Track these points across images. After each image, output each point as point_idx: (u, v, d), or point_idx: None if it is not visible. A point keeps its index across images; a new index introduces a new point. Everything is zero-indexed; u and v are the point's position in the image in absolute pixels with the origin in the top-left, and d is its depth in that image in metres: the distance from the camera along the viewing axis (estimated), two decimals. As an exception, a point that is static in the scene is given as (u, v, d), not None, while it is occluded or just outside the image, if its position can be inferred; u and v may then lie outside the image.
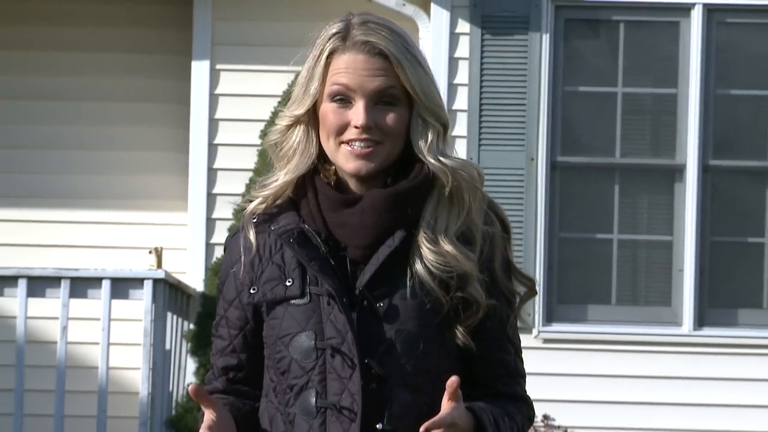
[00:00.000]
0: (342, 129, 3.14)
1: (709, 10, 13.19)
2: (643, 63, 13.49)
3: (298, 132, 3.26)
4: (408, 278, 3.19)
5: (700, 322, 13.06)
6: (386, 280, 3.18)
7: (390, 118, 3.15)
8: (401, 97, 3.19)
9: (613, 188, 13.27)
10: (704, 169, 13.10)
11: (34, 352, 12.99)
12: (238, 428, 3.33)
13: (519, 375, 3.37)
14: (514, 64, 13.36)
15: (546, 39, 13.21)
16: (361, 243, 3.21)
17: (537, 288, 3.46)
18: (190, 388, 3.13)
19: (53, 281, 12.89)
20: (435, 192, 3.26)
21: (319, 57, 3.20)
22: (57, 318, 12.63)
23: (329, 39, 3.19)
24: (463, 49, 13.49)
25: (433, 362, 3.23)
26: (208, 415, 3.09)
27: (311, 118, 3.26)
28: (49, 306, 13.01)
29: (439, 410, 3.07)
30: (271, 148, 3.35)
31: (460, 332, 3.22)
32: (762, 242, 13.39)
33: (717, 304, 13.24)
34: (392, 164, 3.27)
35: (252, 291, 3.29)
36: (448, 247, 3.16)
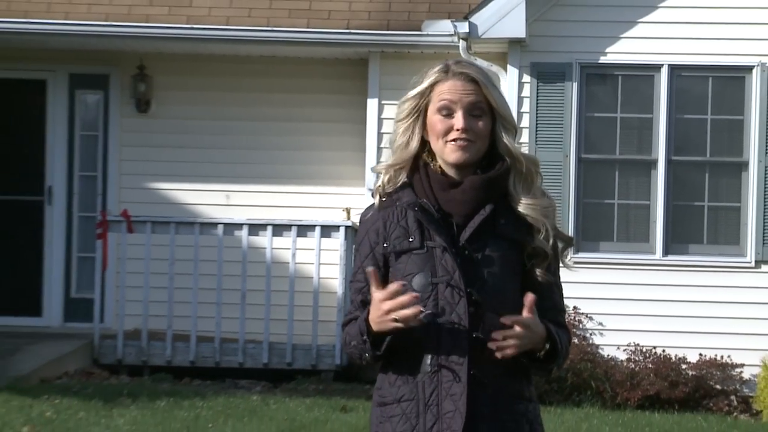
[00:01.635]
0: (447, 131, 4.22)
1: (671, 68, 16.65)
2: (631, 99, 16.99)
3: (407, 138, 4.35)
4: (494, 237, 4.25)
5: (666, 251, 16.68)
6: (479, 238, 4.23)
7: (479, 124, 4.24)
8: (486, 110, 4.25)
9: (614, 173, 16.94)
10: (668, 162, 16.71)
11: (277, 269, 16.87)
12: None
13: (562, 310, 4.46)
14: (555, 99, 16.74)
15: (575, 85, 16.67)
16: (463, 212, 4.26)
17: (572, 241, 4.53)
18: (369, 270, 4.19)
19: (287, 227, 16.92)
20: (513, 173, 4.30)
21: (427, 86, 4.28)
22: (289, 248, 16.79)
23: (435, 73, 4.29)
24: (526, 91, 16.72)
25: (511, 294, 4.25)
26: (378, 291, 4.11)
27: (414, 121, 4.34)
28: (284, 242, 16.98)
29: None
30: (391, 144, 4.44)
31: (540, 272, 4.34)
32: (702, 205, 16.77)
33: (676, 241, 16.83)
34: (480, 160, 4.30)
35: (384, 245, 4.33)
36: (535, 200, 4.30)
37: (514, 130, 4.31)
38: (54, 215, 18.84)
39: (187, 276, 16.80)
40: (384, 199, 4.35)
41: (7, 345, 16.59)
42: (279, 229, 17.09)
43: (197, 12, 17.81)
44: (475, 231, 4.20)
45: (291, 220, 17.21)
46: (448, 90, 4.18)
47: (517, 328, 4.02)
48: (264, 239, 17.21)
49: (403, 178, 4.35)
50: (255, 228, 17.20)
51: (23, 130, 18.91)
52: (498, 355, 4.04)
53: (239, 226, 17.21)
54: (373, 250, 4.32)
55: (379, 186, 4.41)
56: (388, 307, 4.01)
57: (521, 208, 4.24)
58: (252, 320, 16.83)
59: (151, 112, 18.73)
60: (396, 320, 4.02)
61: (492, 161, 4.31)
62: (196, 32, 17.73)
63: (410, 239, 4.23)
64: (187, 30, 17.68)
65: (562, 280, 4.47)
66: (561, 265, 4.46)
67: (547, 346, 4.16)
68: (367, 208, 4.43)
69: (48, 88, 18.82)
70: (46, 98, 18.80)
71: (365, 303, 4.27)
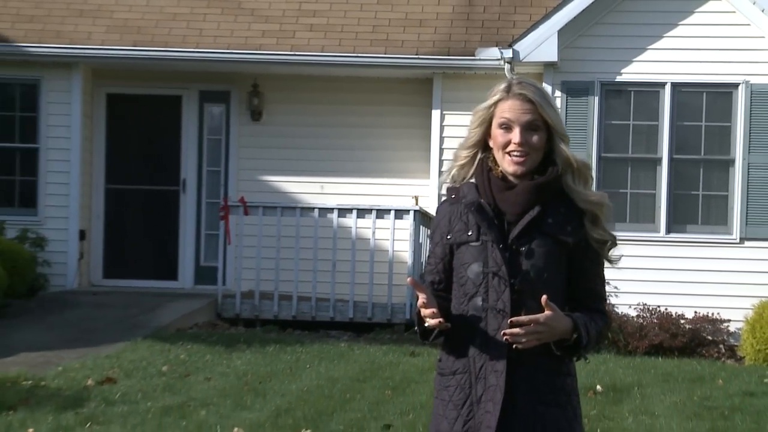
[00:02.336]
0: (506, 144, 4.06)
1: (673, 85, 16.64)
2: (641, 110, 16.97)
3: (474, 142, 4.22)
4: (541, 234, 4.08)
5: (668, 230, 16.69)
6: (527, 235, 4.06)
7: (534, 138, 4.05)
8: (541, 126, 4.06)
9: (627, 168, 16.88)
10: (670, 159, 16.67)
11: (360, 244, 16.79)
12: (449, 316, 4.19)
13: (603, 299, 4.22)
14: (581, 110, 16.75)
15: (596, 99, 16.70)
16: (514, 212, 4.09)
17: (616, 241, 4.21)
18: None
19: (368, 211, 16.93)
20: (570, 174, 4.12)
21: (492, 103, 4.10)
22: (369, 228, 16.85)
23: (498, 92, 4.11)
24: (557, 104, 15.65)
25: (552, 284, 4.07)
26: (421, 297, 4.00)
27: (482, 132, 4.17)
28: (365, 223, 16.96)
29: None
30: (456, 156, 4.29)
31: (581, 264, 4.13)
32: (698, 194, 16.81)
33: (676, 222, 16.79)
34: (535, 169, 4.11)
35: (448, 237, 4.20)
36: (591, 194, 4.12)
37: (567, 140, 4.16)
38: (187, 202, 18.96)
39: (290, 249, 16.78)
40: (453, 196, 4.23)
41: (151, 303, 16.85)
42: (362, 212, 17.11)
43: (299, 42, 17.85)
44: (523, 229, 4.06)
45: (371, 205, 17.20)
46: (508, 109, 4.06)
47: (532, 325, 3.89)
48: (350, 221, 17.23)
49: (469, 176, 4.22)
50: (343, 212, 17.20)
51: (164, 135, 19.00)
52: (515, 346, 3.93)
53: (330, 210, 17.25)
54: (442, 238, 4.21)
55: (450, 182, 4.32)
56: (423, 314, 4.00)
57: (581, 202, 4.10)
58: (340, 284, 16.83)
59: (263, 121, 18.82)
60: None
61: (546, 167, 4.14)
62: (297, 58, 17.80)
63: (468, 233, 4.11)
64: (291, 56, 17.79)
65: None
66: (605, 259, 4.25)
67: (575, 336, 4.00)
68: (441, 202, 4.32)
69: (183, 102, 18.94)
70: (181, 110, 18.92)
71: (432, 283, 4.25)
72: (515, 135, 4.03)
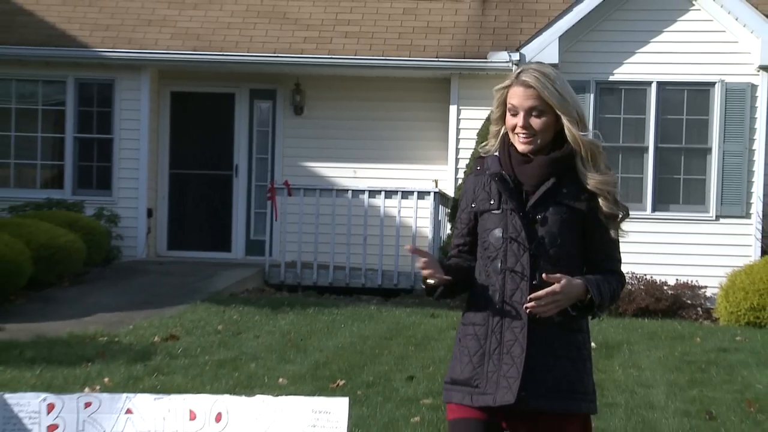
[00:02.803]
0: (513, 127, 3.93)
1: (659, 83, 16.58)
2: (630, 105, 16.91)
3: (498, 123, 4.04)
4: (556, 203, 3.91)
5: (654, 209, 16.65)
6: (543, 204, 3.92)
7: (537, 122, 3.88)
8: (545, 109, 3.88)
9: (618, 155, 16.66)
10: (656, 148, 16.63)
11: (387, 221, 16.75)
12: (461, 275, 4.08)
13: (617, 260, 4.03)
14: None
15: (592, 96, 16.59)
16: (531, 183, 3.94)
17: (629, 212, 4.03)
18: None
19: (394, 193, 16.90)
20: (579, 155, 3.93)
21: (504, 88, 3.99)
22: (395, 207, 16.78)
23: (510, 78, 3.97)
24: None
25: (566, 249, 3.93)
26: (421, 260, 3.93)
27: (502, 116, 4.00)
28: (392, 203, 16.91)
29: (570, 276, 3.88)
30: (490, 131, 4.09)
31: (612, 228, 3.96)
32: (679, 177, 16.77)
33: (660, 202, 16.72)
34: (550, 142, 3.95)
35: (473, 205, 4.05)
36: (599, 175, 3.92)
37: (577, 121, 3.92)
38: (239, 184, 18.91)
39: (327, 225, 16.80)
40: (478, 168, 4.08)
41: (208, 271, 16.92)
42: (389, 194, 17.06)
43: (335, 47, 17.87)
44: (540, 198, 3.91)
45: (397, 187, 17.12)
46: (514, 95, 3.91)
47: (550, 296, 3.77)
48: (378, 201, 17.21)
49: (494, 149, 4.06)
50: (372, 193, 17.16)
51: (219, 127, 18.97)
52: (537, 315, 3.82)
53: (362, 192, 17.25)
54: (467, 206, 4.08)
55: (483, 152, 4.17)
56: (423, 275, 3.93)
57: (589, 183, 3.90)
58: (371, 255, 16.81)
59: (304, 115, 18.79)
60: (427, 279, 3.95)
61: (563, 143, 3.96)
62: (334, 61, 17.82)
63: (491, 202, 3.97)
64: (329, 59, 17.80)
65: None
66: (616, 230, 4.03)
67: (589, 296, 3.83)
68: (468, 174, 4.23)
69: (236, 99, 18.96)
70: (234, 106, 18.93)
71: (457, 246, 4.17)
72: (519, 119, 3.90)
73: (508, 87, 3.95)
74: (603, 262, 3.99)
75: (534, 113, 3.88)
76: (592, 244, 3.99)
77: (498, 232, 3.94)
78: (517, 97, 3.89)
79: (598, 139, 3.99)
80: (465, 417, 3.96)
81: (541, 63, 4.06)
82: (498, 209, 3.96)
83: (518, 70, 3.95)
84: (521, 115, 3.89)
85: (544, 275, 3.78)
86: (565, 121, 3.89)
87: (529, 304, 3.79)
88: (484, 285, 3.98)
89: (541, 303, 3.77)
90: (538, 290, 3.81)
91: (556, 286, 3.75)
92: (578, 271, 3.95)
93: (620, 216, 4.00)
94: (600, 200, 3.92)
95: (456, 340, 4.09)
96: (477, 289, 4.03)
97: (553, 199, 3.93)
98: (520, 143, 3.94)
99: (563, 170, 3.95)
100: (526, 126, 3.89)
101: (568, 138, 3.92)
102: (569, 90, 3.92)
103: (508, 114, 3.96)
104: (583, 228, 3.96)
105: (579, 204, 3.93)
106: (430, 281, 3.94)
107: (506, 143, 4.02)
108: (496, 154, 4.06)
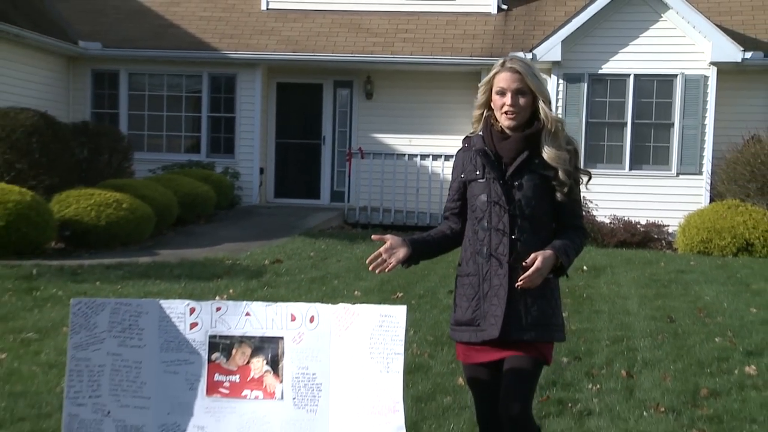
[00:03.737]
0: (502, 106, 3.59)
1: (635, 76, 16.22)
2: (615, 92, 16.41)
3: (481, 103, 3.70)
4: (530, 172, 3.60)
5: (630, 168, 16.31)
6: (518, 173, 3.61)
7: (521, 101, 3.56)
8: (528, 91, 3.57)
9: (605, 129, 16.46)
10: (633, 123, 16.28)
11: (433, 177, 16.61)
12: (451, 240, 3.81)
13: (580, 216, 3.71)
14: (575, 93, 16.34)
15: (585, 85, 16.33)
16: (509, 156, 3.62)
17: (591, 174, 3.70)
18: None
19: (438, 156, 16.57)
20: (546, 129, 3.60)
21: (492, 75, 3.65)
22: (440, 166, 16.51)
23: (497, 67, 3.65)
24: (561, 89, 16.34)
25: (539, 209, 3.61)
26: (386, 245, 3.65)
27: (486, 97, 3.67)
28: (437, 164, 16.68)
29: (540, 232, 3.62)
30: (474, 116, 3.74)
31: (560, 194, 3.59)
32: (650, 144, 16.37)
33: (635, 162, 16.33)
34: (525, 122, 3.62)
35: (462, 176, 3.73)
36: (557, 151, 3.57)
37: (548, 102, 3.62)
38: (325, 150, 18.77)
39: (389, 180, 16.84)
40: (466, 145, 3.75)
41: (303, 213, 16.84)
42: (435, 157, 16.89)
43: (396, 49, 17.65)
44: (516, 169, 3.60)
45: (440, 152, 16.78)
46: (502, 79, 3.59)
47: (536, 272, 3.50)
48: (427, 162, 17.06)
49: (479, 129, 3.73)
50: (423, 157, 17.02)
51: (311, 108, 18.75)
52: (526, 287, 3.53)
53: (415, 155, 17.10)
54: (458, 177, 3.76)
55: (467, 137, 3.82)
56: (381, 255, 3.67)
57: (544, 155, 3.58)
58: (421, 202, 16.79)
59: (373, 99, 18.54)
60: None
61: (533, 122, 3.63)
62: (395, 59, 17.62)
63: (476, 172, 3.66)
64: (391, 58, 17.61)
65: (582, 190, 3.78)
66: (581, 187, 3.72)
67: (559, 263, 3.55)
68: (458, 150, 3.82)
69: (323, 88, 18.78)
70: (322, 92, 18.75)
71: (451, 209, 3.81)
72: (507, 98, 3.58)
73: (496, 74, 3.63)
74: (569, 218, 3.69)
75: (520, 93, 3.58)
76: (560, 205, 3.66)
77: (483, 197, 3.64)
78: (506, 80, 3.59)
79: (562, 119, 3.70)
80: (473, 363, 3.75)
81: (518, 56, 3.75)
82: (483, 178, 3.65)
83: (502, 60, 3.66)
84: (509, 95, 3.58)
85: (524, 262, 3.52)
86: (540, 100, 3.60)
87: (519, 283, 3.52)
88: (475, 241, 3.69)
89: (529, 280, 3.51)
90: (516, 244, 3.59)
91: (537, 265, 3.49)
92: (549, 226, 3.68)
93: (582, 181, 3.70)
94: (558, 170, 3.61)
95: (455, 289, 3.79)
96: (468, 245, 3.73)
97: (527, 169, 3.62)
98: (506, 119, 3.62)
99: (534, 145, 3.63)
100: (514, 104, 3.57)
101: (541, 114, 3.61)
102: (542, 77, 3.68)
103: (494, 96, 3.64)
104: (553, 191, 3.65)
105: (548, 172, 3.62)
106: (382, 265, 3.69)
107: (488, 124, 3.70)
108: (480, 133, 3.74)
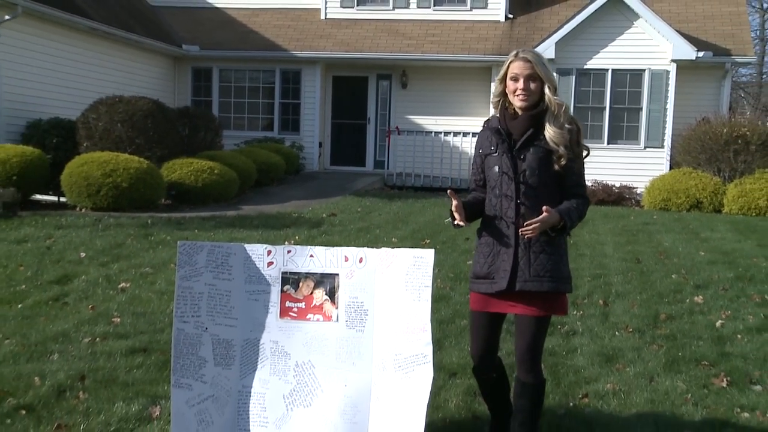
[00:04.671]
0: (515, 90, 3.31)
1: (613, 70, 15.89)
2: (596, 83, 16.03)
3: (498, 92, 3.40)
4: (535, 147, 3.30)
5: (608, 143, 15.98)
6: (525, 147, 3.31)
7: (532, 86, 3.29)
8: (537, 78, 3.29)
9: (588, 112, 15.97)
10: (611, 108, 15.92)
11: (454, 150, 16.16)
12: (474, 208, 3.44)
13: (582, 186, 3.35)
14: (566, 84, 15.83)
15: (573, 78, 15.94)
16: (518, 133, 3.33)
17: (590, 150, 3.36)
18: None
19: (458, 133, 16.32)
20: (549, 111, 3.30)
21: (507, 64, 3.36)
22: (459, 142, 16.05)
23: (511, 57, 3.36)
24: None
25: (542, 178, 3.29)
26: (454, 201, 3.32)
27: (503, 86, 3.38)
28: (457, 140, 16.33)
29: (543, 199, 3.28)
30: (492, 103, 3.45)
31: (558, 166, 3.27)
32: (623, 124, 15.87)
33: (612, 138, 16.01)
34: (534, 105, 3.32)
35: (480, 151, 3.46)
36: (557, 130, 3.26)
37: (554, 88, 3.33)
38: (370, 128, 18.36)
39: (420, 151, 16.65)
40: (485, 125, 3.48)
41: (352, 178, 16.61)
42: (456, 134, 16.73)
43: (426, 49, 17.27)
44: (523, 144, 3.31)
45: (459, 130, 16.71)
46: (516, 67, 3.33)
47: (539, 223, 3.22)
48: (449, 138, 16.85)
49: (496, 111, 3.46)
50: (446, 134, 16.81)
51: (359, 96, 18.38)
52: (526, 236, 3.27)
53: (439, 132, 16.88)
54: (478, 151, 3.47)
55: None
56: (453, 212, 3.38)
57: (546, 133, 3.28)
58: (444, 169, 16.61)
59: (407, 89, 18.11)
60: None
61: (539, 104, 3.35)
62: (425, 56, 17.22)
63: (492, 148, 3.38)
64: (421, 56, 17.21)
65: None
66: (582, 159, 3.39)
67: (562, 223, 3.25)
68: (480, 130, 3.52)
69: (368, 80, 18.39)
70: (367, 84, 18.37)
71: (474, 180, 3.52)
72: (520, 83, 3.31)
73: (510, 62, 3.35)
74: (572, 187, 3.36)
75: (530, 79, 3.31)
76: (564, 175, 3.34)
77: (496, 168, 3.35)
78: (519, 68, 3.32)
79: (564, 102, 3.39)
80: (480, 311, 3.47)
81: (530, 48, 3.46)
82: (496, 153, 3.37)
83: (516, 52, 3.37)
84: (522, 80, 3.31)
85: (544, 208, 3.23)
86: (546, 86, 3.33)
87: (523, 229, 3.24)
88: (490, 206, 3.42)
89: (531, 229, 3.20)
90: (521, 209, 3.32)
91: (540, 218, 3.20)
92: (552, 194, 3.35)
93: (583, 155, 3.39)
94: (559, 145, 3.31)
95: (476, 248, 3.52)
96: (487, 211, 3.45)
97: (532, 144, 3.31)
98: (519, 101, 3.33)
99: (539, 124, 3.33)
100: (525, 88, 3.30)
101: (546, 98, 3.32)
102: (549, 66, 3.39)
103: (509, 81, 3.35)
104: (557, 164, 3.32)
105: (551, 147, 3.31)
106: (456, 221, 3.38)
107: (502, 108, 3.43)
108: (497, 115, 3.47)
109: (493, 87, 3.49)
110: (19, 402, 4.01)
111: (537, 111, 3.33)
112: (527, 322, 3.34)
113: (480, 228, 3.51)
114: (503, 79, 3.40)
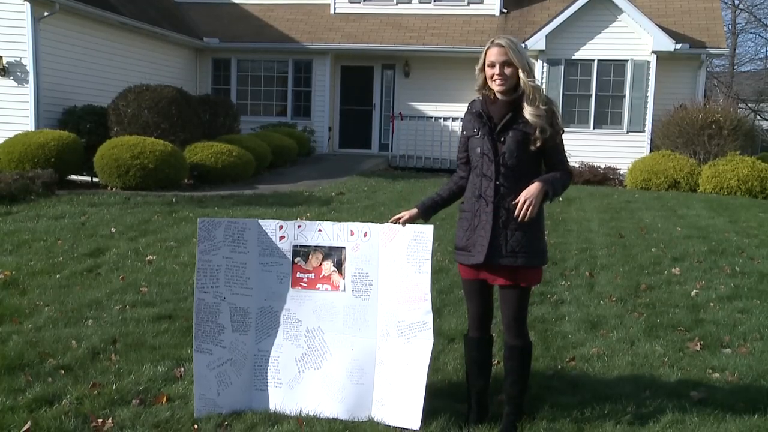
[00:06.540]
0: (492, 76, 3.21)
1: (599, 61, 15.56)
2: (584, 72, 15.69)
3: (480, 84, 3.29)
4: (514, 130, 3.19)
5: (594, 127, 15.73)
6: (504, 130, 3.20)
7: (507, 71, 3.17)
8: (512, 63, 3.17)
9: (575, 99, 15.75)
10: (597, 96, 15.61)
11: (452, 134, 15.99)
12: (456, 194, 3.45)
13: (564, 161, 3.24)
14: (555, 74, 15.59)
15: (562, 68, 15.63)
16: (498, 117, 3.22)
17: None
18: (395, 218, 3.46)
19: (456, 118, 15.91)
20: (525, 94, 3.19)
21: (484, 52, 3.23)
22: (457, 126, 15.70)
23: (487, 44, 3.25)
24: (544, 71, 15.57)
25: (520, 159, 3.19)
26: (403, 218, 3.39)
27: (483, 74, 3.26)
28: (455, 124, 15.97)
29: (522, 180, 3.18)
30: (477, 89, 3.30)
31: (539, 143, 3.15)
32: (608, 110, 15.59)
33: (597, 123, 15.76)
34: (512, 88, 3.21)
35: (464, 133, 3.35)
36: (535, 111, 3.15)
37: (528, 72, 3.18)
38: (375, 114, 18.17)
39: (421, 135, 16.47)
40: (469, 108, 3.38)
41: (359, 159, 16.48)
42: (454, 119, 16.39)
43: (428, 41, 17.07)
44: (502, 127, 3.20)
45: (456, 115, 16.31)
46: (492, 54, 3.21)
47: (526, 204, 3.13)
48: (448, 123, 16.56)
49: (479, 97, 3.34)
50: (446, 119, 16.51)
51: (365, 84, 18.20)
52: (522, 220, 3.16)
53: (439, 118, 16.58)
54: (461, 133, 3.38)
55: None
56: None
57: (525, 114, 3.16)
58: (443, 151, 16.36)
59: (410, 77, 17.90)
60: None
61: (517, 89, 3.23)
62: (426, 48, 17.01)
63: (474, 130, 3.28)
64: (423, 47, 17.02)
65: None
66: (559, 137, 3.25)
67: (545, 190, 3.12)
68: (465, 112, 3.41)
69: (374, 69, 18.19)
70: (373, 73, 18.18)
71: (459, 159, 3.41)
72: (496, 69, 3.20)
73: (487, 49, 3.23)
74: (556, 164, 3.24)
75: (505, 65, 3.19)
76: (546, 153, 3.23)
77: (478, 150, 3.26)
78: (494, 54, 3.21)
79: (539, 85, 3.24)
80: (469, 278, 3.38)
81: (505, 35, 3.32)
82: (478, 135, 3.26)
83: (492, 39, 3.24)
84: (497, 66, 3.20)
85: (513, 203, 3.16)
86: (520, 71, 3.19)
87: (517, 212, 3.14)
88: (472, 185, 3.32)
89: (524, 211, 3.12)
90: (500, 189, 3.22)
91: (524, 196, 3.10)
92: (532, 175, 3.22)
93: (560, 132, 3.24)
94: (536, 127, 3.20)
95: (457, 221, 3.45)
96: (468, 188, 3.35)
97: (511, 127, 3.20)
98: (496, 86, 3.22)
99: (517, 107, 3.21)
100: (501, 74, 3.19)
101: (520, 82, 3.20)
102: (524, 51, 3.25)
103: (487, 68, 3.24)
104: (534, 144, 3.19)
105: (528, 129, 3.19)
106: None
107: (485, 91, 3.31)
108: (480, 98, 3.35)
109: (477, 75, 3.34)
110: (59, 362, 4.06)
111: (514, 96, 3.22)
112: (509, 292, 3.31)
113: (462, 203, 3.42)
114: (482, 64, 3.28)
